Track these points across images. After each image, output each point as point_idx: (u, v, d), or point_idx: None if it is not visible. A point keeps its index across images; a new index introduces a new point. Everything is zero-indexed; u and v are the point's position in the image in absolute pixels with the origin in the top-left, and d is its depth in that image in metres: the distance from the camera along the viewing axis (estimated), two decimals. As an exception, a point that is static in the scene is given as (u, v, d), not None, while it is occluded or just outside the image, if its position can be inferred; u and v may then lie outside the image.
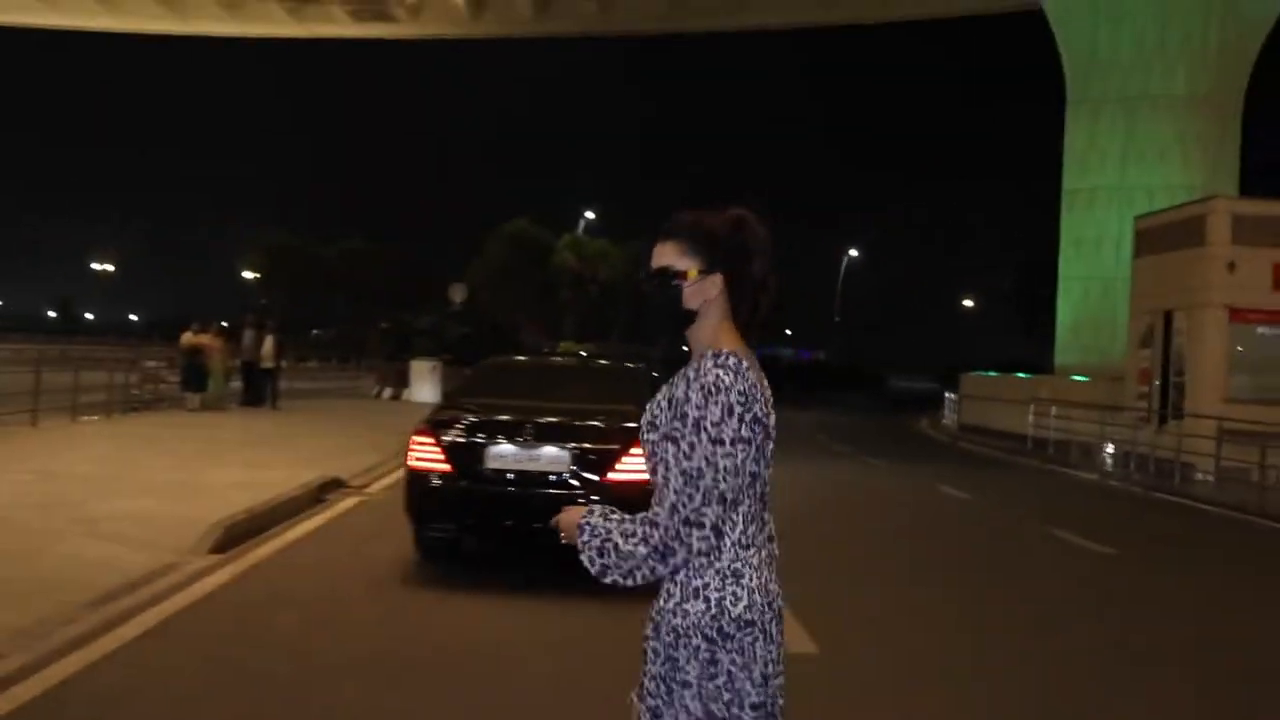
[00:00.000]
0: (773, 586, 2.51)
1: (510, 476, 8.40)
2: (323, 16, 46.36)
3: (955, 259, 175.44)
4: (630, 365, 10.63)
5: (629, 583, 2.47)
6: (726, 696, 2.41)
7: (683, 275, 2.54)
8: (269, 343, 25.76)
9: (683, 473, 2.42)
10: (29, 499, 10.51)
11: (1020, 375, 35.91)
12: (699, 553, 2.42)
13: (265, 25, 48.58)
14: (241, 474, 13.10)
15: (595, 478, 8.22)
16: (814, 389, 64.60)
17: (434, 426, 8.71)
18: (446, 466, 8.48)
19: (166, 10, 46.04)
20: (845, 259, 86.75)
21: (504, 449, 8.40)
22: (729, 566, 2.44)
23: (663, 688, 2.46)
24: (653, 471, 2.53)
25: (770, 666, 2.44)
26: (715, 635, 2.41)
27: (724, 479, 2.40)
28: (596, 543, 2.48)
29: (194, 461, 14.31)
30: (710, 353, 2.47)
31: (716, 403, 2.40)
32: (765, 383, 2.52)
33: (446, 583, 8.66)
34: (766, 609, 2.46)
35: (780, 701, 2.48)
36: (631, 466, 7.97)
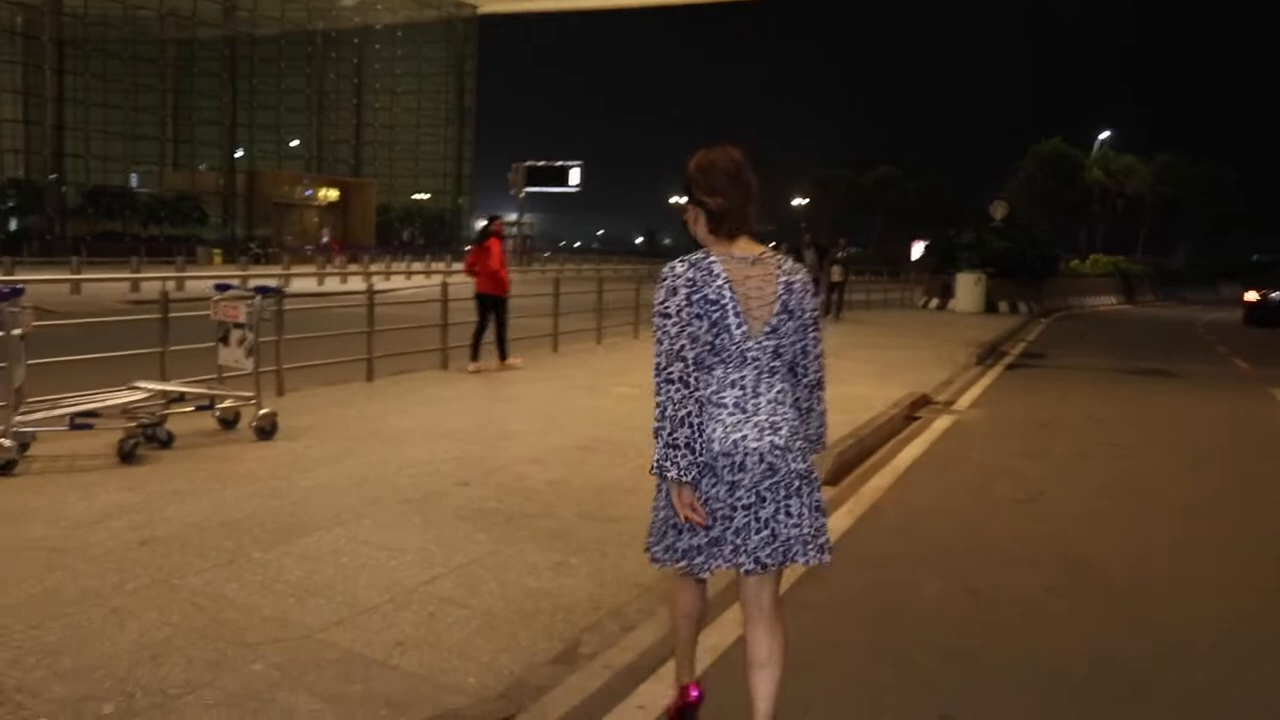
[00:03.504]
0: (747, 444, 2.80)
1: None
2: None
3: None
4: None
5: (670, 444, 2.78)
6: (676, 516, 2.87)
7: (682, 209, 3.02)
8: (838, 262, 24.06)
9: (656, 343, 2.81)
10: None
11: None
12: (675, 402, 2.75)
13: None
14: (830, 389, 11.08)
15: None
16: None
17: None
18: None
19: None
20: None
21: None
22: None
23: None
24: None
25: (712, 500, 2.81)
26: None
27: (677, 342, 2.77)
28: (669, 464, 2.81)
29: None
30: None
31: (662, 286, 2.84)
32: (782, 280, 2.89)
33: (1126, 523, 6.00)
34: (722, 456, 2.80)
35: (718, 527, 2.82)
36: None
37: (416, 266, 45.60)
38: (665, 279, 2.84)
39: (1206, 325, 31.18)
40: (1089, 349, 20.29)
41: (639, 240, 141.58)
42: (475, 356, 11.66)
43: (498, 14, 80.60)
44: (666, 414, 2.77)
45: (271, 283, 9.17)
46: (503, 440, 7.61)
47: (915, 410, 10.56)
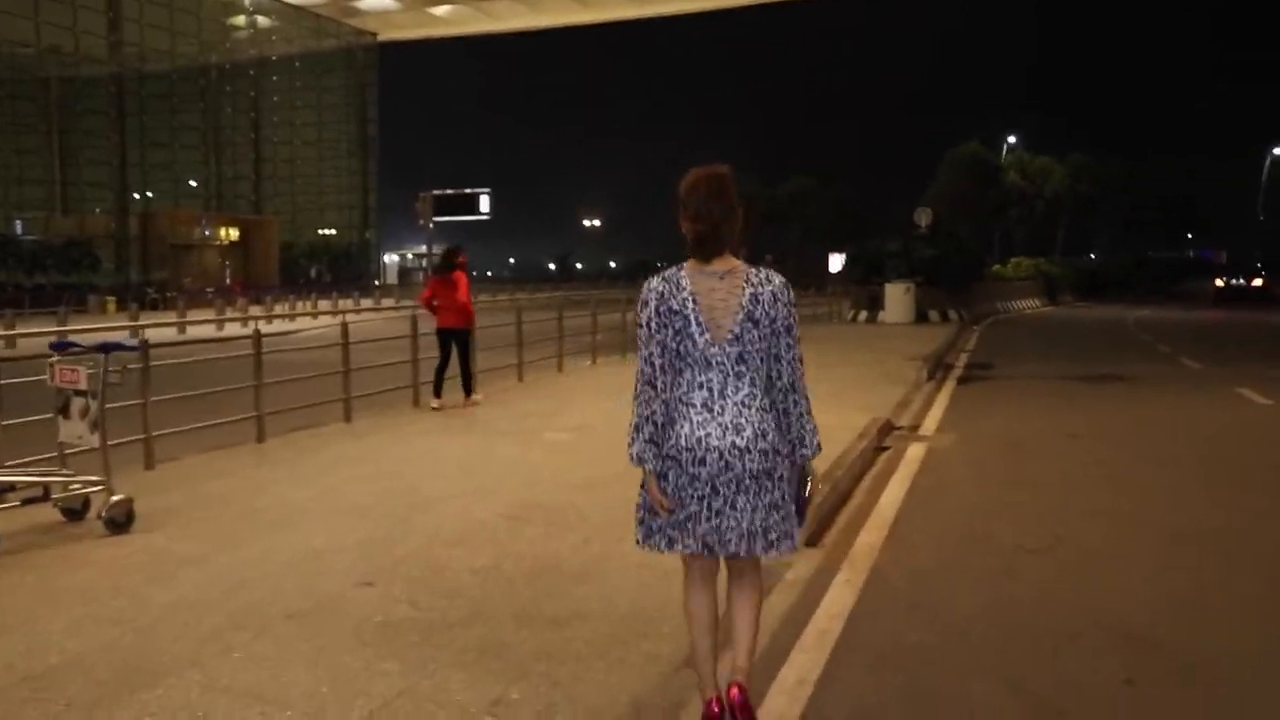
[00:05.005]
0: (710, 441, 3.07)
1: None
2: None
3: None
4: None
5: (641, 435, 3.14)
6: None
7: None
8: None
9: (640, 359, 3.15)
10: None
11: None
12: (645, 402, 3.10)
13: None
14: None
15: None
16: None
17: None
18: None
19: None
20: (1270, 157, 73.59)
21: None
22: (667, 416, 3.11)
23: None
24: None
25: (679, 490, 3.11)
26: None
27: (647, 348, 3.12)
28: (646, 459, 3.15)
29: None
30: None
31: (640, 298, 3.16)
32: (749, 292, 3.11)
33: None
34: (685, 451, 3.08)
35: (681, 514, 3.12)
36: None
37: (323, 305, 43.84)
38: (643, 293, 3.16)
39: (1137, 323, 31.03)
40: (1032, 356, 19.63)
41: (551, 266, 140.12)
42: (438, 393, 11.20)
43: (398, 41, 78.98)
44: (641, 413, 3.12)
45: (161, 333, 7.86)
46: (416, 512, 6.34)
47: (882, 439, 9.55)
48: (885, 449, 9.23)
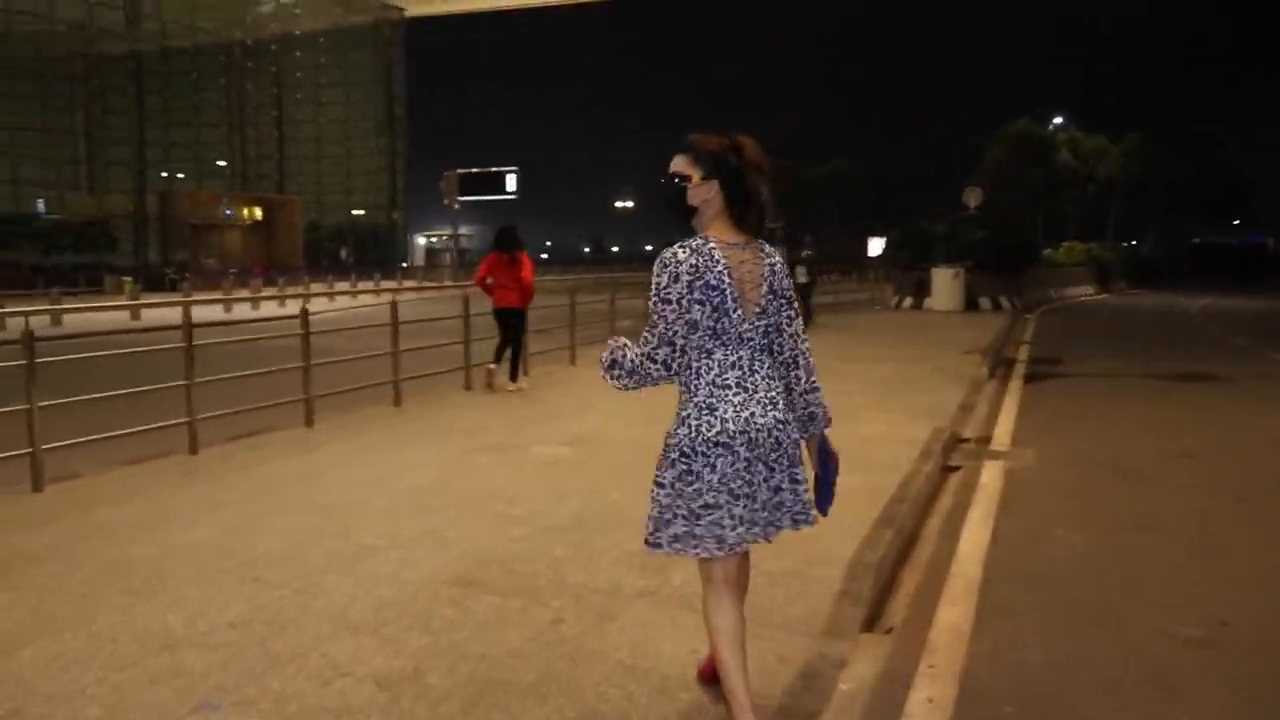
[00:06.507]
0: (756, 420, 2.92)
1: None
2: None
3: None
4: None
5: (618, 385, 2.99)
6: (697, 500, 2.90)
7: (687, 178, 2.97)
8: (802, 261, 21.46)
9: (649, 327, 2.92)
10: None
11: None
12: (654, 379, 2.93)
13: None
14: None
15: None
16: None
17: None
18: None
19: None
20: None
21: None
22: (704, 401, 2.91)
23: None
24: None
25: (732, 480, 2.90)
26: (690, 451, 2.90)
27: (672, 328, 2.87)
28: (617, 353, 3.00)
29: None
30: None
31: (664, 273, 2.87)
32: (767, 262, 3.00)
33: None
34: (738, 435, 2.89)
35: (739, 505, 2.91)
36: None
37: (341, 287, 42.50)
38: (667, 265, 2.89)
39: (1203, 313, 28.96)
40: (1101, 350, 17.71)
41: (586, 249, 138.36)
42: (515, 376, 11.02)
43: (427, 16, 77.48)
44: (634, 373, 2.95)
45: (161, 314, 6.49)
46: (333, 572, 4.72)
47: (948, 456, 7.85)
48: (954, 468, 7.53)
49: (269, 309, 30.67)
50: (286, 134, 76.25)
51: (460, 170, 62.69)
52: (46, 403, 6.58)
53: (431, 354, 11.18)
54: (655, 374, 2.92)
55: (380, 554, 4.95)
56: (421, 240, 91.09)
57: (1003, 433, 9.12)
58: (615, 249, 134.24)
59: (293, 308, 31.55)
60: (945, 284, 27.57)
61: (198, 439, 7.61)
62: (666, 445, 2.96)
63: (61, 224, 52.45)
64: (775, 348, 3.05)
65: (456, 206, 62.22)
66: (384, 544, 5.12)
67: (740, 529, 2.93)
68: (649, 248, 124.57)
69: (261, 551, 5.01)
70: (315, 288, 41.74)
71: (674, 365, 2.91)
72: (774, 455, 2.98)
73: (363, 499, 6.14)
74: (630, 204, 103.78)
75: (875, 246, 50.84)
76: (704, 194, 2.98)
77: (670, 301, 2.86)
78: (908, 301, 28.81)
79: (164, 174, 63.31)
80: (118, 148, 61.52)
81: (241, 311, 29.64)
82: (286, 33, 73.74)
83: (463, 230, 73.54)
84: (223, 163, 71.84)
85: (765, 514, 2.98)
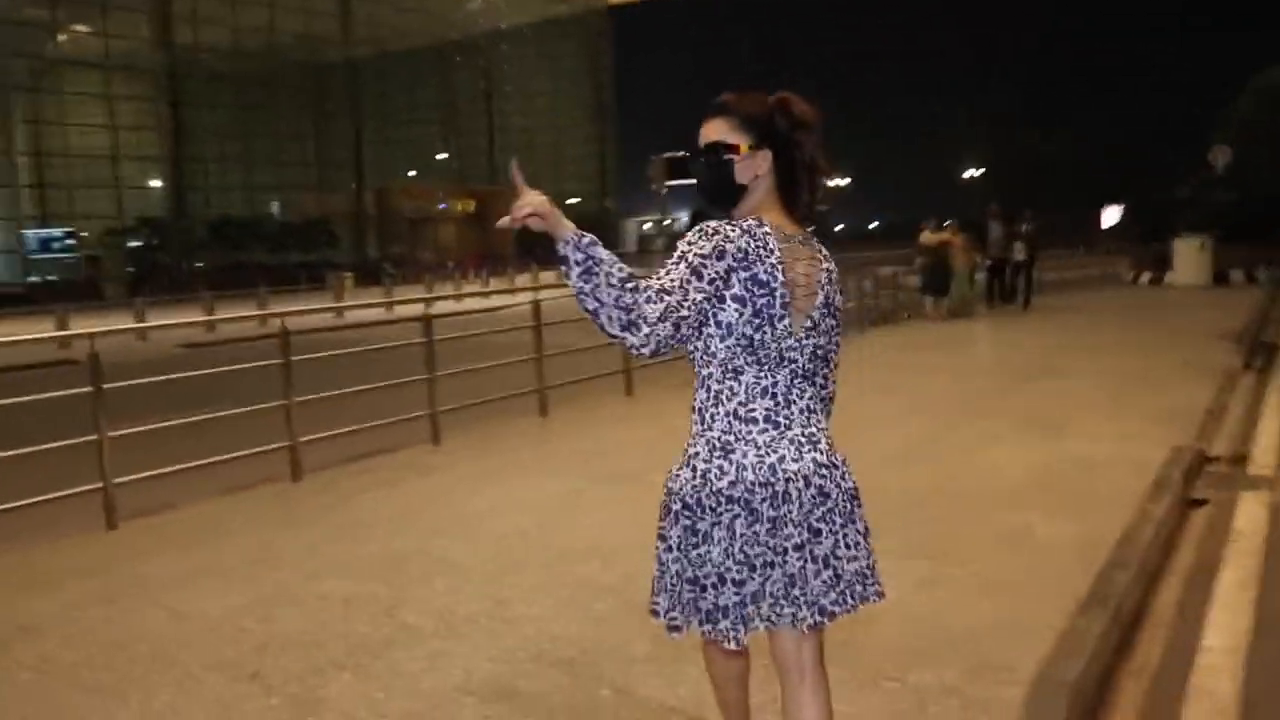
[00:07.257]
0: (787, 466, 2.16)
1: None
2: None
3: None
4: None
5: (584, 307, 1.96)
6: (704, 567, 2.17)
7: (735, 150, 2.23)
8: (1021, 236, 19.62)
9: (661, 286, 2.01)
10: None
11: None
12: (630, 346, 1.99)
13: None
14: (1035, 449, 6.90)
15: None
16: None
17: None
18: None
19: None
20: None
21: None
22: (719, 438, 2.18)
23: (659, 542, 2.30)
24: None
25: (751, 545, 2.14)
26: (694, 505, 2.18)
27: (687, 310, 2.02)
28: (589, 263, 1.92)
29: (954, 415, 8.39)
30: None
31: (706, 239, 2.12)
32: (825, 268, 2.29)
33: None
34: (759, 488, 2.14)
35: (759, 577, 2.15)
36: None
37: (536, 280, 42.65)
38: (714, 234, 2.13)
39: None
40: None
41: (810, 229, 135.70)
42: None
43: (629, 2, 77.48)
44: (609, 316, 1.94)
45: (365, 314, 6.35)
46: (347, 670, 3.72)
47: (1191, 486, 6.20)
48: (1199, 502, 5.90)
49: (472, 304, 30.82)
50: (497, 125, 77.97)
51: (667, 154, 62.25)
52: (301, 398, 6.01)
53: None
54: (632, 341, 1.97)
55: (417, 641, 3.94)
56: (635, 226, 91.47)
57: (1265, 450, 7.28)
58: (839, 226, 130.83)
59: (497, 301, 31.69)
60: (1189, 256, 24.60)
61: (301, 465, 6.91)
62: (667, 492, 2.27)
63: (287, 224, 55.39)
64: (820, 378, 2.33)
65: (664, 192, 61.90)
66: (429, 625, 4.11)
67: (764, 610, 2.18)
68: (872, 224, 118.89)
69: (279, 632, 4.10)
70: (520, 280, 42.02)
71: (662, 337, 1.99)
72: (818, 512, 2.20)
73: (441, 551, 5.16)
74: (845, 181, 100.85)
75: (1110, 216, 46.92)
76: (755, 168, 2.25)
77: (703, 277, 2.07)
78: (1145, 277, 26.01)
79: (382, 172, 65.88)
80: (341, 149, 64.39)
81: (444, 306, 29.89)
82: (494, 28, 75.29)
83: (677, 216, 73.18)
84: (443, 155, 74.15)
85: (797, 591, 2.17)
